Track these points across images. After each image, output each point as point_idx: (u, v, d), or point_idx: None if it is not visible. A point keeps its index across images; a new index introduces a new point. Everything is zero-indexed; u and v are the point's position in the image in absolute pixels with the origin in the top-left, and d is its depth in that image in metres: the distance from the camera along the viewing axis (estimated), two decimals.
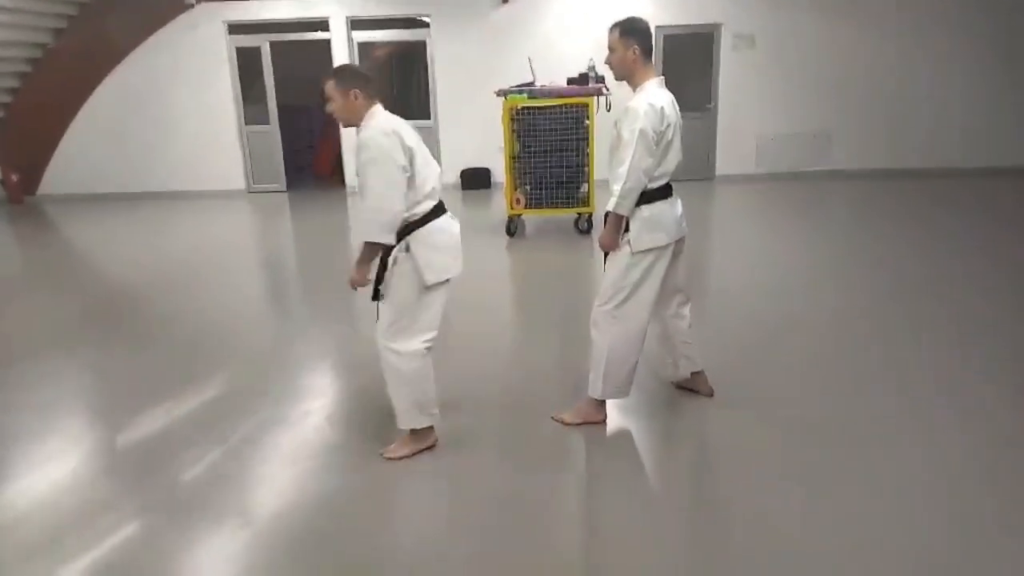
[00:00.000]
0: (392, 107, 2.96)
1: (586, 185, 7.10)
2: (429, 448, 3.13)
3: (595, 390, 3.25)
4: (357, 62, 10.43)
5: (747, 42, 10.12)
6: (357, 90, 2.84)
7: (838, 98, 10.18)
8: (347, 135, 9.81)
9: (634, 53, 3.00)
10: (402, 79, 11.93)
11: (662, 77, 3.06)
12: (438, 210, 2.94)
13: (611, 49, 3.05)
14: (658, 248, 3.06)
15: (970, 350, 4.04)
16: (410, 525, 2.76)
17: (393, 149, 2.78)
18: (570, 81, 7.42)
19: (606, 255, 3.16)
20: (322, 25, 10.52)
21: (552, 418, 3.36)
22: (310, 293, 6.13)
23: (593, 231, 7.12)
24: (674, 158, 3.08)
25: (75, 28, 10.38)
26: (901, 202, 8.62)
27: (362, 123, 2.88)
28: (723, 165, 10.58)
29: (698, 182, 10.25)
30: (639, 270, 3.06)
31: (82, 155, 10.96)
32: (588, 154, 7.02)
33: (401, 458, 3.07)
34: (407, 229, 2.86)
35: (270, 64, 10.66)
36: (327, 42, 10.50)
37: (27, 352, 4.65)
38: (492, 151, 9.56)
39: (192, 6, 10.23)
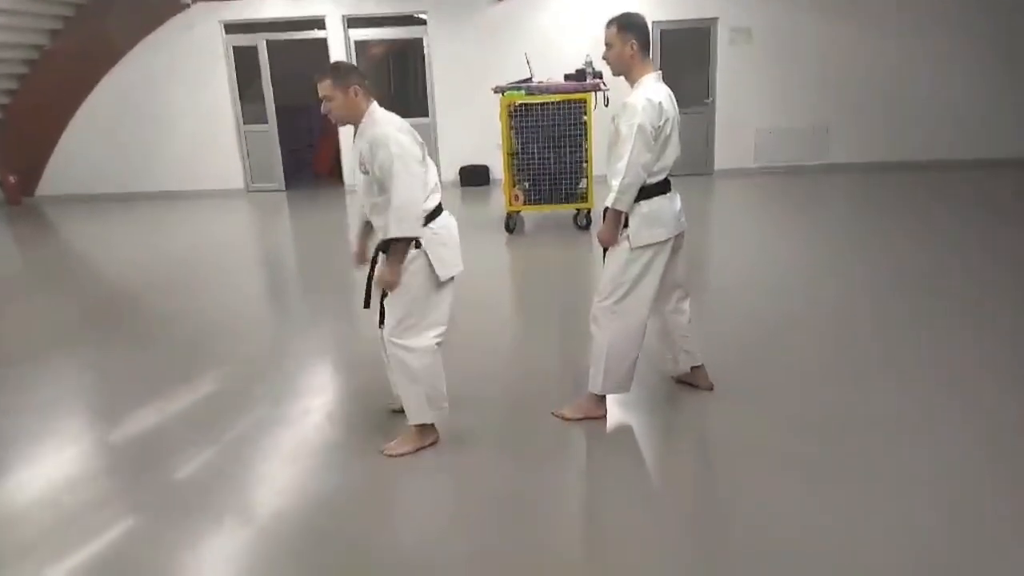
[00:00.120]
0: (390, 105, 2.95)
1: (584, 181, 7.09)
2: (430, 445, 3.13)
3: (595, 386, 3.25)
4: (354, 60, 10.41)
5: (744, 36, 10.10)
6: (357, 86, 2.82)
7: (836, 92, 10.15)
8: (346, 134, 9.79)
9: (632, 48, 2.99)
10: (399, 77, 11.92)
11: (660, 72, 3.06)
12: (440, 206, 2.95)
13: (608, 44, 3.04)
14: (657, 243, 3.06)
15: (969, 344, 4.03)
16: (411, 523, 2.76)
17: (411, 144, 2.79)
18: (567, 77, 7.40)
19: (605, 251, 3.16)
20: (318, 23, 10.50)
21: (552, 414, 3.36)
22: (309, 292, 6.12)
23: (592, 227, 7.11)
24: (672, 153, 3.07)
25: (71, 29, 10.36)
26: (899, 195, 8.61)
27: (363, 120, 2.87)
28: (721, 160, 10.57)
29: (696, 177, 10.25)
30: (638, 266, 3.06)
31: (80, 156, 10.94)
32: (586, 150, 7.01)
33: (402, 455, 3.07)
34: None
35: (267, 63, 10.65)
36: (324, 41, 10.49)
37: (26, 353, 4.64)
38: (490, 148, 9.56)
39: (188, 6, 10.21)
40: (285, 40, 10.67)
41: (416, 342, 2.95)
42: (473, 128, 10.31)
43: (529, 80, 7.35)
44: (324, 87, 2.81)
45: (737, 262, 6.14)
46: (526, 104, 6.90)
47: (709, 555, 2.42)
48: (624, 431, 3.28)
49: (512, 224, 7.32)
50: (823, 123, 10.32)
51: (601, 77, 7.07)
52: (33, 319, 5.50)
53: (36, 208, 10.77)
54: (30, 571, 2.48)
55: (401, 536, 2.66)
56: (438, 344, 3.00)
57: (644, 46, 3.01)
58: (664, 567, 2.38)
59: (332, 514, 2.74)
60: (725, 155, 10.54)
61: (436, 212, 2.91)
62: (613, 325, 3.13)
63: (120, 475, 3.12)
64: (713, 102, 10.42)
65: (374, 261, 3.03)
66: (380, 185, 2.82)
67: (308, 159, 12.48)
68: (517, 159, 7.08)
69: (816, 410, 3.33)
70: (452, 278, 2.99)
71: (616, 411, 3.39)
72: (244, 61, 10.69)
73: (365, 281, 3.08)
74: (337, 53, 10.40)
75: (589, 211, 7.23)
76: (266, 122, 10.92)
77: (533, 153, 7.03)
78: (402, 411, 3.13)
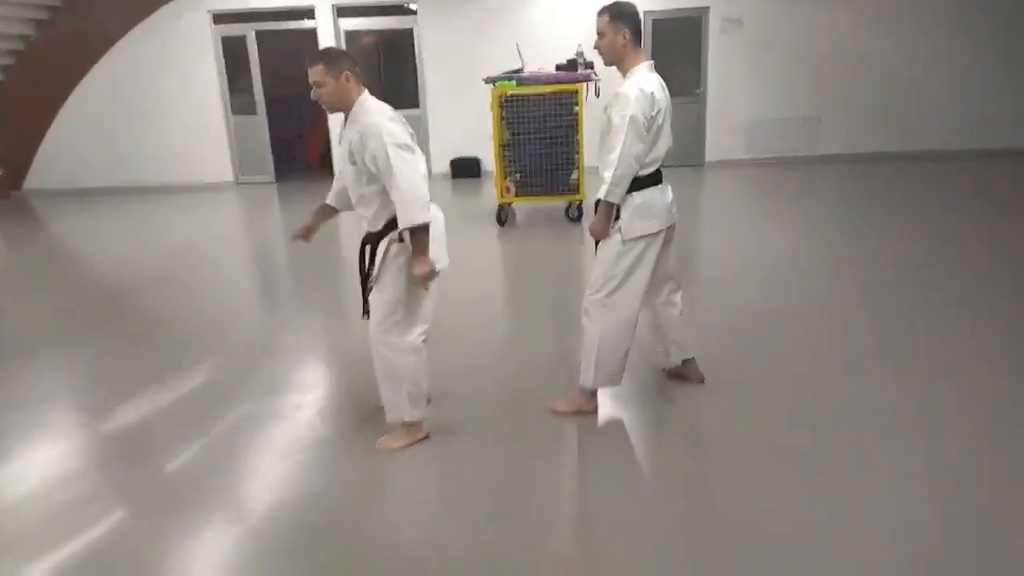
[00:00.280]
0: (380, 97, 2.91)
1: (576, 172, 7.06)
2: (422, 440, 3.11)
3: (587, 379, 3.23)
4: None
5: (735, 25, 10.07)
6: (348, 72, 2.78)
7: (828, 82, 10.14)
8: (335, 124, 9.71)
9: (624, 37, 2.97)
10: (390, 68, 11.83)
11: (652, 61, 3.03)
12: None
13: (600, 34, 3.01)
14: (649, 235, 3.04)
15: (965, 334, 4.03)
16: (402, 518, 2.74)
17: (403, 133, 2.76)
18: (559, 67, 7.36)
19: (597, 243, 3.14)
20: (308, 13, 10.41)
21: (544, 408, 3.35)
22: (300, 286, 6.08)
23: (584, 219, 7.09)
24: (664, 144, 3.05)
25: (58, 19, 10.23)
26: (893, 186, 8.61)
27: (354, 107, 2.83)
28: (713, 151, 10.55)
29: (688, 168, 10.23)
30: (630, 258, 3.04)
31: (68, 149, 10.82)
32: (578, 141, 6.98)
33: (394, 450, 3.05)
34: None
35: (256, 53, 10.55)
36: (313, 31, 10.40)
37: (16, 348, 4.60)
38: (482, 139, 9.49)
39: None
40: (274, 30, 10.57)
41: (401, 340, 2.92)
42: (464, 119, 10.26)
43: (520, 70, 7.30)
44: (315, 72, 2.75)
45: (728, 254, 6.13)
46: (517, 95, 6.86)
47: (701, 548, 2.41)
48: (615, 424, 3.27)
49: (504, 216, 7.29)
50: (815, 113, 10.30)
51: (592, 67, 7.03)
52: (22, 315, 5.45)
53: (24, 202, 10.66)
54: (20, 565, 2.45)
55: (393, 531, 2.64)
56: (423, 342, 2.97)
57: (636, 35, 2.99)
58: (656, 560, 2.37)
59: (324, 510, 2.72)
60: (716, 146, 10.51)
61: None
62: (605, 318, 3.11)
63: (108, 469, 3.09)
64: (704, 92, 10.39)
65: (362, 258, 3.00)
66: (369, 176, 2.79)
67: (299, 150, 12.39)
68: (508, 150, 7.04)
69: (809, 402, 3.33)
70: (437, 273, 2.92)
71: (608, 404, 3.37)
72: (233, 52, 10.59)
73: (360, 290, 3.04)
74: (327, 43, 10.30)
75: (581, 203, 7.21)
76: (255, 112, 10.83)
77: (524, 144, 6.99)
78: None
